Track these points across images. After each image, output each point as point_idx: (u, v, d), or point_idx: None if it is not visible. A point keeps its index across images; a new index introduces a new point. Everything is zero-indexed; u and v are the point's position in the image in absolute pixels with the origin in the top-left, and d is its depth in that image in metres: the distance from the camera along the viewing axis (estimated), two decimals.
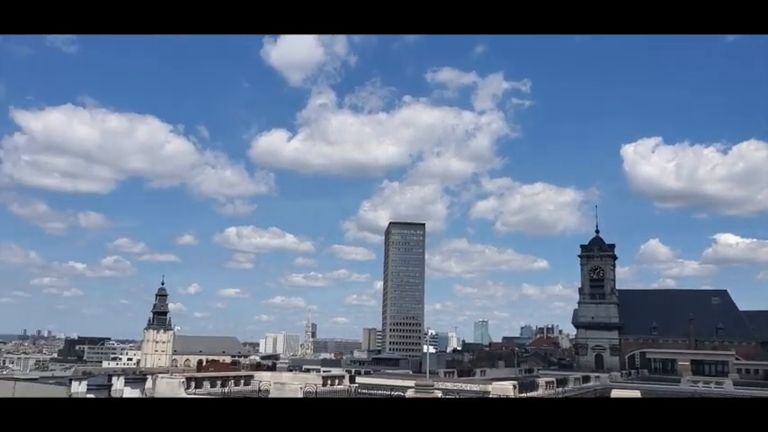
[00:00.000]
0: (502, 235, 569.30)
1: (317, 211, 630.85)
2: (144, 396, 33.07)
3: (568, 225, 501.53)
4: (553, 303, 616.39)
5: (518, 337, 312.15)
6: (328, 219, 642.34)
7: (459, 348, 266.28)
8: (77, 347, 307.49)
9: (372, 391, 31.46)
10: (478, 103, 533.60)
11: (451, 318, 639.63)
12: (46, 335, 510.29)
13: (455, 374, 60.41)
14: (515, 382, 37.38)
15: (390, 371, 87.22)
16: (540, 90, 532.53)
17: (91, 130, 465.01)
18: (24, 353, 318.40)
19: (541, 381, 43.67)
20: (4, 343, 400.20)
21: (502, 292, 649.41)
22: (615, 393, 26.44)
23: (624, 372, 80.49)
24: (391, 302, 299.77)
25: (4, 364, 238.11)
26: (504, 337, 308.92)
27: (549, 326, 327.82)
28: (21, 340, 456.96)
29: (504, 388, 31.61)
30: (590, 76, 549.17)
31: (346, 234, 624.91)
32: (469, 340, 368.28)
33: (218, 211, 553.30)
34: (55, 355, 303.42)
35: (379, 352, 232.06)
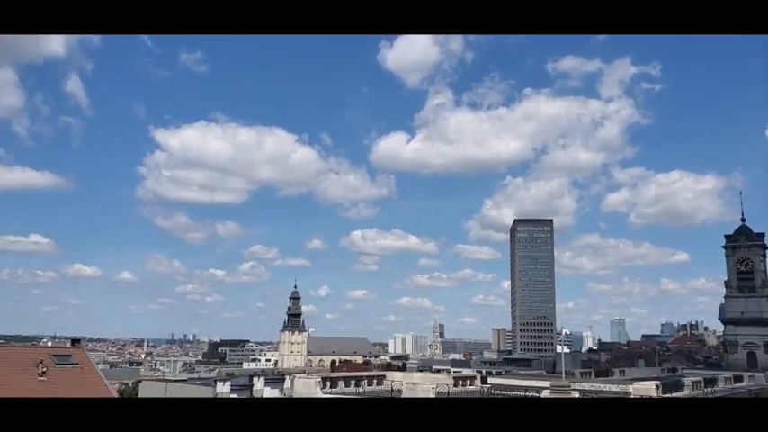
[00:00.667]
0: (636, 228, 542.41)
1: (438, 212, 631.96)
2: (283, 396, 34.30)
3: (710, 214, 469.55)
4: (696, 298, 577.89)
5: (658, 335, 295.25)
6: (450, 218, 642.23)
7: (594, 348, 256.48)
8: (220, 350, 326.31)
9: (505, 392, 30.76)
10: (605, 91, 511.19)
11: (585, 316, 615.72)
12: (191, 338, 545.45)
13: (592, 375, 58.03)
14: (658, 382, 35.26)
15: (523, 371, 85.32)
16: (671, 72, 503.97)
17: (224, 144, 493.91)
18: (173, 356, 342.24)
19: (687, 380, 40.87)
20: (155, 347, 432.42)
21: (639, 287, 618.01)
22: None
23: None
24: (520, 302, 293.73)
25: (155, 366, 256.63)
26: (644, 336, 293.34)
27: (693, 322, 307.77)
28: (169, 344, 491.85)
29: (646, 388, 29.84)
30: (725, 51, 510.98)
31: (469, 233, 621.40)
32: (605, 339, 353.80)
33: (343, 216, 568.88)
34: (200, 358, 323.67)
35: (509, 352, 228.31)
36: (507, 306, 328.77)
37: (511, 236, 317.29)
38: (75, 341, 41.58)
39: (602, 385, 38.48)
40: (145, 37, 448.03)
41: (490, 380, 50.18)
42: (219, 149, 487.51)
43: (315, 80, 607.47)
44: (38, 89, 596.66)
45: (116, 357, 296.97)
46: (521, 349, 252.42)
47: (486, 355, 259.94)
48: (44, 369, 33.47)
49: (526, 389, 27.83)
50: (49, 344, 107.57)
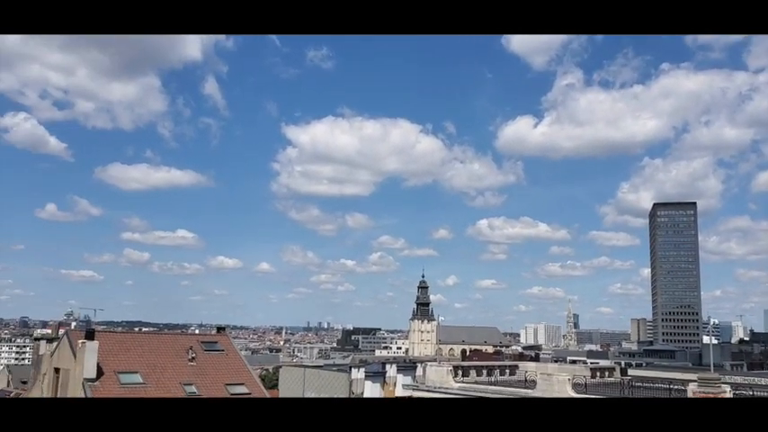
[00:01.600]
0: None
1: (569, 197, 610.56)
2: (415, 383, 34.60)
3: None
4: None
5: None
6: (583, 204, 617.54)
7: (746, 339, 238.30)
8: (353, 337, 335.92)
9: (647, 384, 29.18)
10: (752, 61, 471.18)
11: (735, 305, 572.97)
12: (326, 326, 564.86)
13: (744, 368, 53.81)
14: None
15: (666, 363, 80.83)
16: None
17: (350, 138, 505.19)
18: (309, 343, 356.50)
19: None
20: (292, 334, 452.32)
21: None
22: None
23: None
24: (661, 290, 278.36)
25: (293, 352, 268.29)
26: None
27: None
28: (305, 331, 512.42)
29: None
30: None
31: (604, 219, 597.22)
32: (758, 330, 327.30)
33: (469, 205, 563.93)
34: (334, 345, 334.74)
35: (650, 343, 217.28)
36: (647, 295, 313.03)
37: (650, 221, 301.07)
38: (220, 329, 44.22)
39: (756, 379, 35.58)
40: (274, 36, 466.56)
41: (630, 371, 47.85)
42: (347, 143, 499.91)
43: (437, 69, 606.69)
44: (179, 93, 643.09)
45: (257, 344, 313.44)
46: (663, 340, 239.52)
47: (625, 346, 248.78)
48: (194, 355, 35.86)
49: (670, 381, 26.24)
50: (197, 331, 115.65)
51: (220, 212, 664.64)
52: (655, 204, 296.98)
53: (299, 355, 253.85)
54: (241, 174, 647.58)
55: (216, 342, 39.50)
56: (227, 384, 35.03)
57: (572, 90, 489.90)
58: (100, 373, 31.09)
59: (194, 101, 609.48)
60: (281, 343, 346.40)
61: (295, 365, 75.39)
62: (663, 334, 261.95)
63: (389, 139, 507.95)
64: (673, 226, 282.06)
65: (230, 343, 41.26)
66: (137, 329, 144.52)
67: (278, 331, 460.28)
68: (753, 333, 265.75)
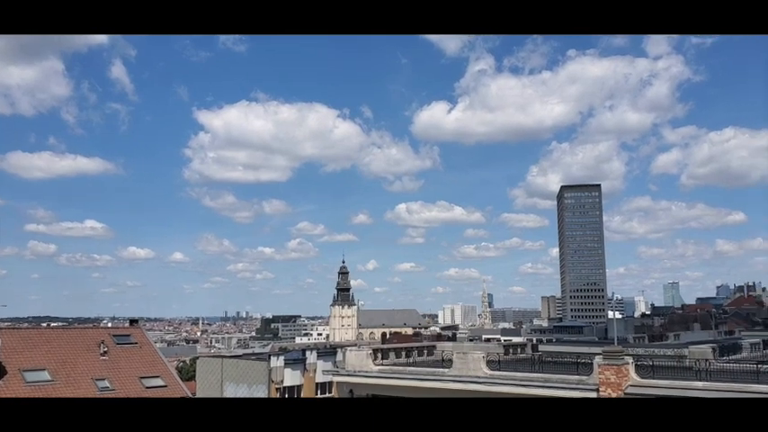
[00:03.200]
0: (689, 189, 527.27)
1: (483, 181, 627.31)
2: (336, 369, 34.87)
3: (767, 172, 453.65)
4: (753, 259, 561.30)
5: (714, 298, 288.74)
6: (496, 187, 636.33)
7: (647, 313, 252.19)
8: (272, 326, 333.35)
9: (556, 359, 30.63)
10: (652, 48, 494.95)
11: (637, 281, 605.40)
12: (244, 315, 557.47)
13: (645, 340, 57.05)
14: (714, 345, 34.55)
15: (574, 338, 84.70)
16: None
17: (266, 123, 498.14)
18: (227, 333, 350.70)
19: (745, 342, 39.96)
20: (210, 324, 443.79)
21: (693, 250, 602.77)
22: None
23: None
24: (569, 269, 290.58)
25: (211, 343, 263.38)
26: (698, 299, 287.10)
27: (750, 283, 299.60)
28: (223, 321, 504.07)
29: (702, 351, 29.35)
30: None
31: (515, 201, 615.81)
32: (659, 304, 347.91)
33: (387, 189, 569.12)
34: (253, 334, 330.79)
35: (560, 320, 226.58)
36: (556, 274, 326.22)
37: (558, 202, 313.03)
38: (133, 321, 42.99)
39: (656, 350, 37.93)
40: None
41: (541, 347, 49.91)
42: (262, 128, 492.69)
43: (353, 53, 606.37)
44: (84, 77, 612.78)
45: (173, 336, 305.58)
46: (571, 316, 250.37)
47: (536, 323, 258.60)
48: (105, 349, 34.75)
49: (578, 355, 27.63)
50: (109, 325, 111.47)
51: (131, 201, 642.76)
52: (562, 187, 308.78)
53: (217, 345, 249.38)
54: (152, 161, 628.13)
55: (129, 335, 38.40)
56: (142, 377, 34.19)
57: (484, 76, 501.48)
58: (2, 372, 29.62)
59: (100, 85, 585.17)
60: (199, 334, 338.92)
61: (212, 356, 74.08)
62: (571, 310, 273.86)
63: (306, 124, 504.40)
64: (579, 207, 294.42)
65: (144, 335, 40.19)
66: (44, 325, 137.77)
67: (194, 322, 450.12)
68: (654, 307, 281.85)
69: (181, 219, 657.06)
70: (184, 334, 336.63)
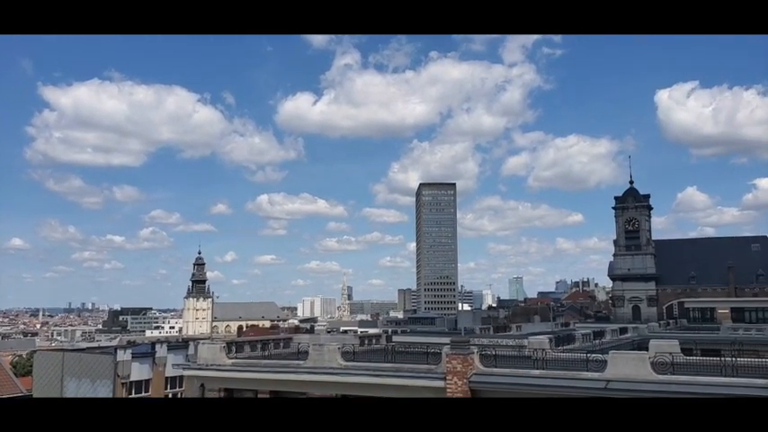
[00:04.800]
0: (535, 190, 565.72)
1: (346, 175, 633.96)
2: (187, 362, 33.90)
3: (603, 177, 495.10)
4: (588, 257, 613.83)
5: (553, 292, 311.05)
6: (358, 182, 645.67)
7: (494, 305, 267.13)
8: (121, 318, 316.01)
9: (408, 349, 31.77)
10: (508, 56, 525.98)
11: (486, 275, 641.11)
12: (90, 307, 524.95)
13: (491, 330, 60.57)
14: (552, 336, 37.30)
15: (426, 329, 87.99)
16: (571, 37, 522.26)
17: (119, 104, 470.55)
18: (71, 325, 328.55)
19: (578, 333, 43.57)
20: (51, 316, 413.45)
21: (536, 247, 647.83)
22: (653, 343, 26.24)
23: (662, 322, 79.75)
24: (425, 263, 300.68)
25: (52, 336, 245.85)
26: (540, 293, 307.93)
27: (585, 279, 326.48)
28: (66, 313, 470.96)
29: (540, 342, 31.59)
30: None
31: (377, 197, 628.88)
32: (504, 297, 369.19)
33: (249, 179, 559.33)
34: (100, 327, 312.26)
35: (414, 312, 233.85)
36: (413, 267, 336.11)
37: (416, 199, 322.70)
38: None
39: (499, 340, 40.41)
40: None
41: (395, 338, 51.57)
42: (115, 109, 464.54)
43: (216, 37, 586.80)
44: None
45: (8, 328, 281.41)
46: (425, 308, 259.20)
47: (393, 314, 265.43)
48: None
49: (428, 345, 28.82)
50: None
51: None
52: (420, 184, 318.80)
53: (58, 338, 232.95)
54: None
55: None
56: None
57: (350, 71, 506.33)
58: None
59: None
60: (38, 326, 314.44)
61: (53, 349, 69.28)
62: (425, 302, 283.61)
63: (164, 107, 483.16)
64: (435, 204, 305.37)
65: None
66: None
67: (34, 314, 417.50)
68: (499, 300, 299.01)
69: (21, 202, 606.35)
70: (22, 326, 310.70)
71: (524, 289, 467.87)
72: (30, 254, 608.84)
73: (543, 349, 26.35)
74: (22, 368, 73.81)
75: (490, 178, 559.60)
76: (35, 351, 63.73)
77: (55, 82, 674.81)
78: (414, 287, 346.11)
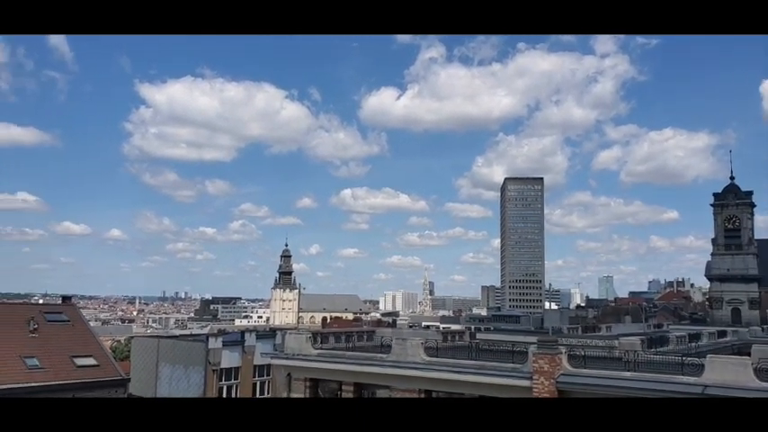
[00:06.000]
0: (627, 186, 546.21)
1: (429, 170, 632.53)
2: (275, 352, 34.69)
3: (701, 172, 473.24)
4: (684, 256, 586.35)
5: (646, 292, 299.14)
6: (441, 176, 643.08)
7: (582, 305, 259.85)
8: (212, 307, 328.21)
9: (493, 347, 31.25)
10: (600, 46, 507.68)
11: (574, 274, 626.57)
12: (183, 296, 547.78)
13: (579, 330, 58.85)
14: (644, 337, 35.85)
15: (511, 327, 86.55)
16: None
17: (211, 101, 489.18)
18: (165, 313, 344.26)
19: (672, 335, 41.64)
20: (147, 304, 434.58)
21: (628, 245, 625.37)
22: (756, 348, 24.68)
23: (765, 327, 75.17)
24: (510, 260, 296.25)
25: (147, 323, 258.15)
26: (631, 292, 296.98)
27: (680, 279, 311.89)
28: (161, 301, 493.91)
29: (631, 343, 30.43)
30: None
31: (460, 191, 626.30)
32: (593, 296, 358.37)
33: (333, 174, 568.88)
34: (192, 315, 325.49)
35: (498, 309, 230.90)
36: (497, 264, 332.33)
37: (501, 194, 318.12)
38: (65, 298, 41.73)
39: (588, 341, 39.13)
40: None
41: (478, 335, 50.90)
42: (207, 105, 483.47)
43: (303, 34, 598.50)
44: (20, 42, 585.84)
45: (108, 315, 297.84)
46: (509, 306, 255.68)
47: (476, 311, 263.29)
48: (36, 326, 33.63)
49: (513, 344, 28.24)
50: (41, 301, 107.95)
51: (67, 174, 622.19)
52: (506, 179, 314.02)
53: (153, 325, 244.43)
54: (90, 133, 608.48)
55: (61, 312, 37.25)
56: (74, 356, 33.23)
57: (434, 64, 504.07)
58: None
59: (38, 53, 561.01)
60: (135, 313, 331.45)
61: (148, 336, 72.69)
62: (510, 300, 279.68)
63: (253, 104, 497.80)
64: (521, 199, 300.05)
65: (77, 313, 39.10)
66: None
67: (131, 301, 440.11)
68: (588, 299, 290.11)
69: (119, 195, 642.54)
70: (120, 313, 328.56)
71: (615, 288, 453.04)
72: (127, 244, 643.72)
73: (635, 351, 25.31)
74: (120, 353, 77.84)
75: (580, 173, 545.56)
76: (132, 337, 67.05)
77: (151, 79, 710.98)
78: (498, 284, 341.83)
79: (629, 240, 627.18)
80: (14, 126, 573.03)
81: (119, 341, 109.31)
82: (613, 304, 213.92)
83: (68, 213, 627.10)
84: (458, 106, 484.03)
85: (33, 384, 30.03)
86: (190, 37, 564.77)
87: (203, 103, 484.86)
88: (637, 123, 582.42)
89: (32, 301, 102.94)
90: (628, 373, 21.67)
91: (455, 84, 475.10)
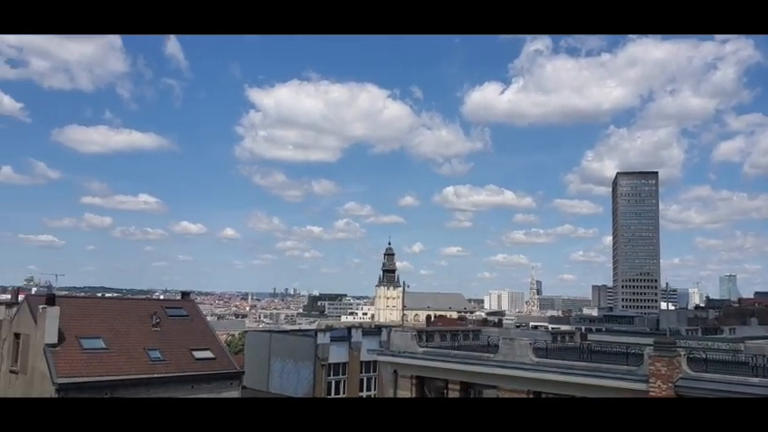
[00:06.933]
0: (751, 178, 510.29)
1: (535, 165, 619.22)
2: (381, 348, 34.97)
3: None
4: None
5: None
6: (548, 172, 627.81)
7: (702, 305, 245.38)
8: (319, 303, 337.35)
9: (606, 348, 30.04)
10: None
11: (692, 273, 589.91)
12: (292, 292, 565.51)
13: (698, 332, 55.55)
14: None
15: (624, 328, 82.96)
16: None
17: (316, 103, 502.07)
18: (275, 309, 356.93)
19: None
20: (258, 300, 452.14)
21: (752, 242, 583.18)
22: None
23: None
24: (622, 258, 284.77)
25: (259, 318, 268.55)
26: (757, 293, 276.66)
27: None
28: (271, 297, 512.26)
29: (759, 347, 28.35)
30: None
31: (569, 187, 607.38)
32: (714, 296, 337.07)
33: (436, 172, 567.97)
34: (300, 311, 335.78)
35: (610, 309, 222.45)
36: (608, 262, 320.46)
37: (613, 189, 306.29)
38: (184, 294, 43.96)
39: (710, 343, 36.81)
40: None
41: (590, 336, 49.05)
42: (312, 107, 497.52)
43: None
44: (139, 53, 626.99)
45: (223, 310, 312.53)
46: (622, 306, 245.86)
47: (586, 311, 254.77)
48: (158, 320, 35.63)
49: (628, 345, 27.01)
50: (161, 297, 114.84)
51: (184, 177, 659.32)
52: (618, 173, 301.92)
53: (265, 320, 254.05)
54: (204, 137, 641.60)
55: (180, 307, 39.26)
56: (192, 349, 34.96)
57: (539, 57, 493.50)
58: (61, 338, 30.71)
59: (156, 62, 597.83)
60: (247, 309, 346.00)
61: (261, 330, 75.63)
62: (622, 300, 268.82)
63: (356, 104, 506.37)
64: (635, 195, 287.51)
65: (195, 308, 41.09)
66: (99, 295, 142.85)
67: (244, 297, 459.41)
68: (708, 299, 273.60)
69: (232, 196, 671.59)
70: (234, 308, 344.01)
71: (738, 288, 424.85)
72: (240, 243, 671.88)
73: (764, 355, 23.52)
74: (234, 347, 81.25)
75: (698, 166, 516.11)
76: (246, 331, 69.84)
77: (260, 84, 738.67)
78: (609, 283, 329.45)
79: (753, 237, 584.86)
80: (136, 132, 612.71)
81: (233, 335, 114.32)
82: (737, 305, 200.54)
83: (186, 213, 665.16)
84: (565, 99, 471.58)
85: (156, 375, 31.84)
86: (295, 41, 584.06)
87: (309, 105, 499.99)
88: (762, 112, 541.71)
89: (154, 297, 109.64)
90: (756, 379, 20.19)
91: (562, 76, 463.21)
